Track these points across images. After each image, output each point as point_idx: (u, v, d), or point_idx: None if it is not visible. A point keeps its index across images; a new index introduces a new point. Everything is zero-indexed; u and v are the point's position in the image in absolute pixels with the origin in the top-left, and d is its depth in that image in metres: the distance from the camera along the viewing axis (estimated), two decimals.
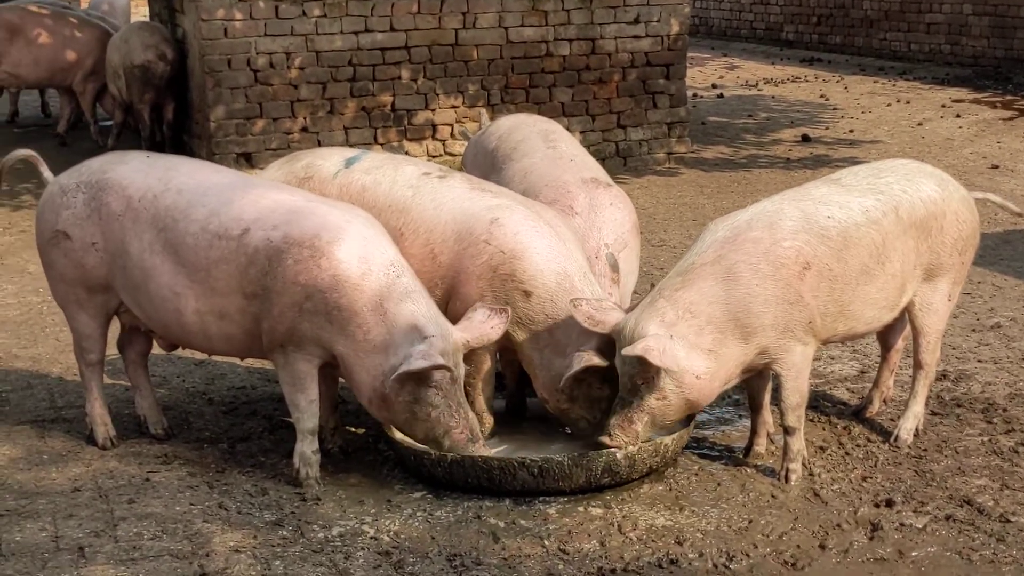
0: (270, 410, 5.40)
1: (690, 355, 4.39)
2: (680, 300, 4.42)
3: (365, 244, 4.45)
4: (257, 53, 9.31)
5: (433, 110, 9.79)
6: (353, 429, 5.16)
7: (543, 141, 5.59)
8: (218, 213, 4.57)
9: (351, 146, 9.49)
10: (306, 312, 4.43)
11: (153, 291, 4.65)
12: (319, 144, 9.44)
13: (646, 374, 4.42)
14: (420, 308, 4.41)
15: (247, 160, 9.39)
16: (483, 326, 4.52)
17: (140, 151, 5.24)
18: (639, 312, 4.47)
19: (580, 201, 5.09)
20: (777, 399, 4.64)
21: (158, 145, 10.29)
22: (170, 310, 4.64)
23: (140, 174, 4.76)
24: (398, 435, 4.62)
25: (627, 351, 4.37)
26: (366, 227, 4.51)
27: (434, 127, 9.82)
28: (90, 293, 4.85)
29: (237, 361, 5.86)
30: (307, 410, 4.57)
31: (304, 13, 9.32)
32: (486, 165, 5.67)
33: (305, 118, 9.50)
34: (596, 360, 4.54)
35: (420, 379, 4.38)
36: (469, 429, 4.50)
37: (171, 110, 10.27)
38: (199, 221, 4.57)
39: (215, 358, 5.93)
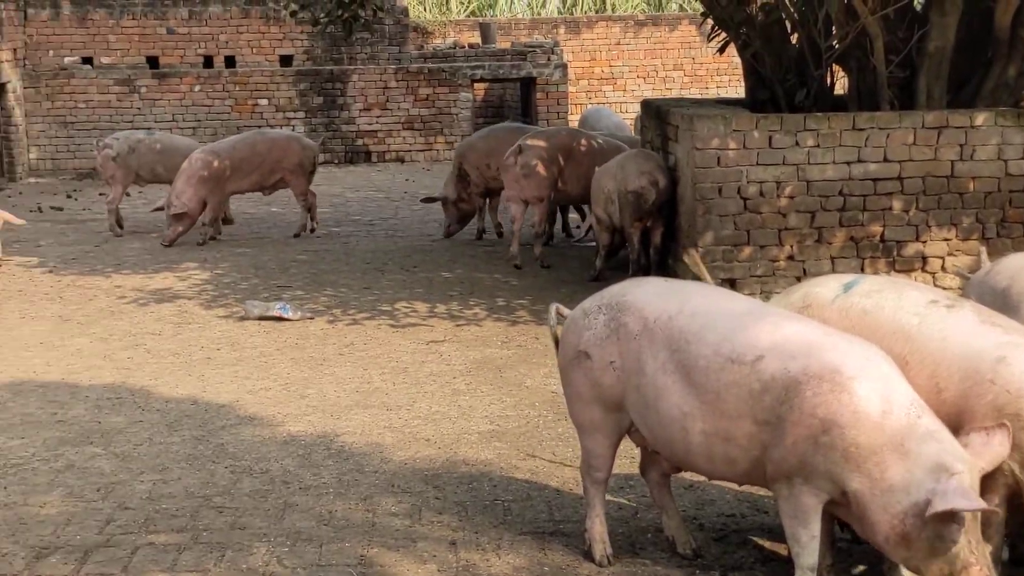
0: (761, 541, 5.39)
1: None
2: None
3: (886, 383, 4.41)
4: (748, 181, 9.46)
5: (924, 242, 9.58)
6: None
7: None
8: (731, 338, 4.66)
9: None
10: (821, 446, 4.41)
11: (663, 410, 4.79)
12: (804, 273, 9.44)
13: None
14: (944, 446, 4.32)
15: (731, 286, 9.50)
16: (988, 449, 4.37)
17: (658, 277, 5.46)
18: None
19: None
20: None
21: (644, 268, 10.61)
22: (677, 429, 4.76)
23: (657, 297, 4.96)
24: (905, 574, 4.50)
25: None
26: (886, 365, 4.48)
27: (924, 259, 9.60)
28: (605, 412, 5.05)
29: (727, 487, 5.91)
30: (808, 545, 4.54)
31: (797, 143, 9.40)
32: (995, 306, 5.48)
33: (792, 246, 9.53)
34: None
35: (946, 517, 4.27)
36: (987, 567, 4.34)
37: (659, 235, 10.57)
38: (712, 344, 4.68)
39: (704, 483, 6.00)
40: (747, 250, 9.53)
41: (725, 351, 4.65)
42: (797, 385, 4.46)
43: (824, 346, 4.53)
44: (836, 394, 4.39)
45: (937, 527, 4.27)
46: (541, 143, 12.06)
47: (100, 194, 17.82)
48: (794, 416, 4.46)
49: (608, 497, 5.63)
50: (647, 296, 5.01)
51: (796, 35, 10.72)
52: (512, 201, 12.17)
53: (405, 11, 22.54)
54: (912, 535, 4.31)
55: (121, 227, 14.10)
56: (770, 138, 9.41)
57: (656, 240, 10.64)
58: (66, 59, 21.33)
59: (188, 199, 13.21)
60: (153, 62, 21.67)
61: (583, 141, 12.17)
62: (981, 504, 4.23)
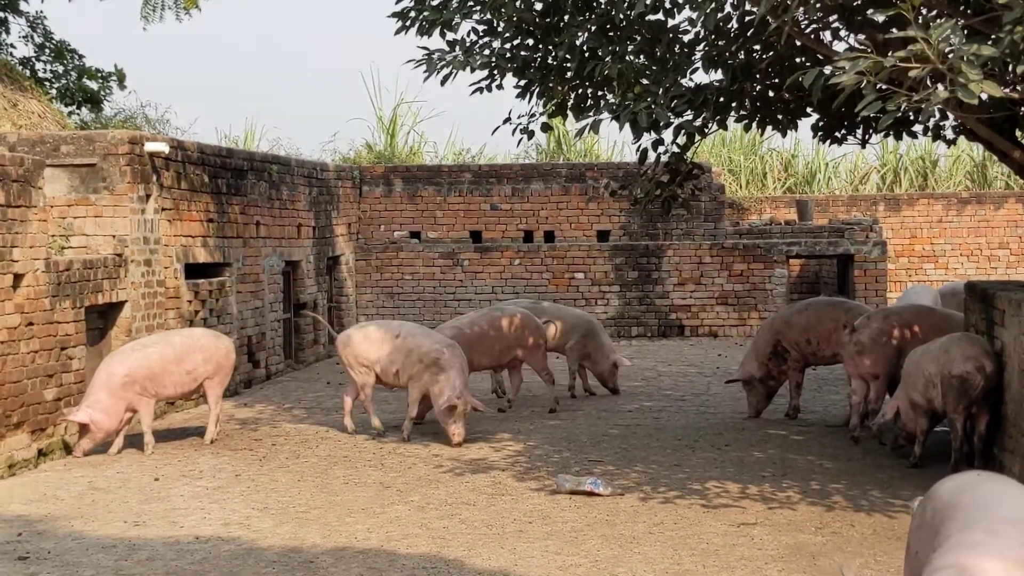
0: None
1: None
2: None
3: None
4: None
5: None
6: None
7: None
8: (948, 539, 4.41)
9: None
10: None
11: None
12: None
13: None
14: None
15: None
16: None
17: (987, 473, 5.26)
18: None
19: None
20: None
21: (967, 457, 10.22)
22: None
23: (955, 487, 4.84)
24: None
25: None
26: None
27: None
28: None
29: None
30: None
31: None
32: None
33: None
34: None
35: None
36: None
37: (984, 422, 10.17)
38: (942, 536, 4.48)
39: None
40: None
41: (939, 547, 4.42)
42: None
43: (970, 551, 4.21)
44: None
45: None
46: (877, 320, 12.16)
47: None
48: None
49: None
50: (950, 485, 4.89)
51: None
52: (853, 377, 12.28)
53: (722, 188, 22.78)
54: None
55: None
56: None
57: (981, 428, 10.23)
58: (395, 233, 22.48)
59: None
60: (476, 236, 22.57)
61: (932, 317, 12.08)
62: None
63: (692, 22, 11.05)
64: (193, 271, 15.16)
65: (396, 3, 11.71)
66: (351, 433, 12.70)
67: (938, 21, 7.72)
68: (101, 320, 13.23)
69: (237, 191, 16.40)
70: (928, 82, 7.81)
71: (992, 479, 5.02)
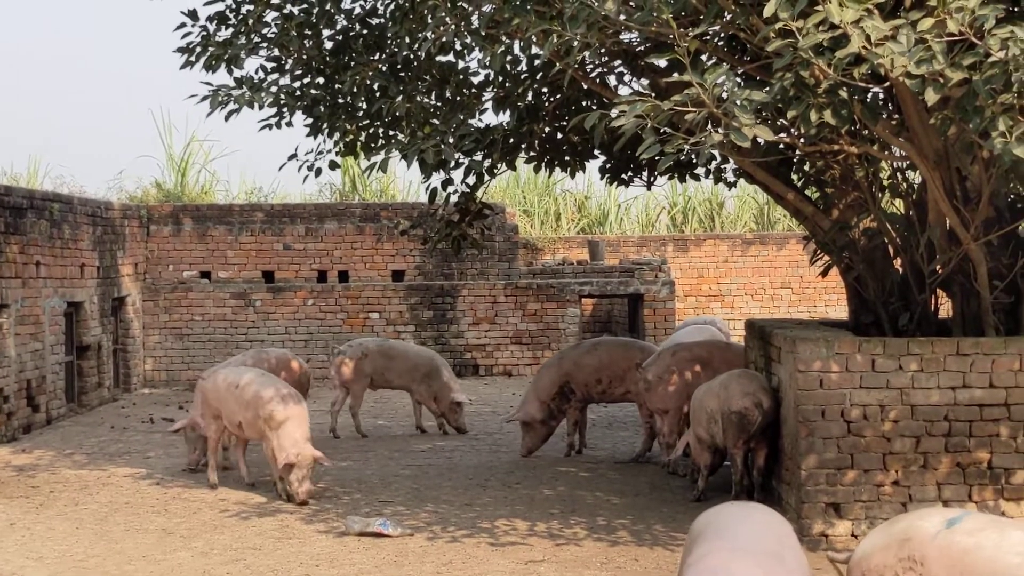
0: None
1: None
2: None
3: None
4: (851, 405, 9.37)
5: None
6: None
7: None
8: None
9: (944, 502, 9.25)
10: None
11: None
12: (910, 499, 9.27)
13: None
14: None
15: (835, 511, 9.35)
16: None
17: (747, 504, 5.46)
18: None
19: None
20: None
21: (747, 490, 10.48)
22: None
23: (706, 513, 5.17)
24: None
25: None
26: None
27: None
28: None
29: None
30: None
31: (900, 367, 9.32)
32: None
33: (897, 471, 9.37)
34: None
35: None
36: None
37: (763, 456, 10.46)
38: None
39: None
40: (851, 474, 9.38)
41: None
42: None
43: None
44: None
45: None
46: (666, 357, 12.34)
47: None
48: None
49: None
50: (702, 516, 5.40)
51: (899, 259, 10.73)
52: (653, 412, 12.52)
53: (515, 228, 22.99)
54: None
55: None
56: (873, 362, 9.35)
57: (760, 461, 10.52)
58: (185, 273, 22.02)
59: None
60: (269, 276, 22.27)
61: (725, 351, 12.42)
62: None
63: (481, 63, 11.17)
64: None
65: (182, 38, 11.55)
66: (248, 484, 11.88)
67: (720, 68, 7.95)
68: None
69: (16, 230, 15.84)
70: (710, 125, 8.03)
71: (733, 508, 5.27)
